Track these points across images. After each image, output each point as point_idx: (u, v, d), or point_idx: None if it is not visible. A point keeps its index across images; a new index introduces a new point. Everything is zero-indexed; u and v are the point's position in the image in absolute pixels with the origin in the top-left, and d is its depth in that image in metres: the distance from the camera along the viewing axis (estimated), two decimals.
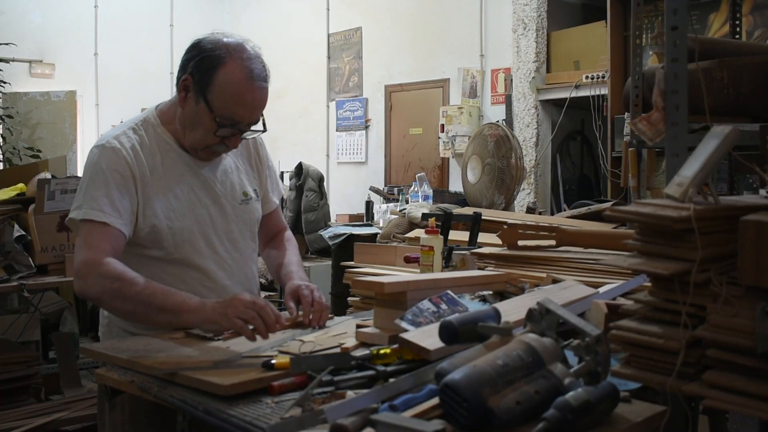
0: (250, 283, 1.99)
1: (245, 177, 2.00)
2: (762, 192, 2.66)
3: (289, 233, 2.17)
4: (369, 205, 6.12)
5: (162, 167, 1.83)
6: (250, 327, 1.57)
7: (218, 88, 1.74)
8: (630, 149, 2.68)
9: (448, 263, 2.30)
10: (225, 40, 1.78)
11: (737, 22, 3.22)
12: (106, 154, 1.78)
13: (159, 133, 1.86)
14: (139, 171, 1.79)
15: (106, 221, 1.71)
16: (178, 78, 1.82)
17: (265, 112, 1.86)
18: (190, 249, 1.84)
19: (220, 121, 1.76)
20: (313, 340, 1.60)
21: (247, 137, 1.88)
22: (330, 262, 5.36)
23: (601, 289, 1.70)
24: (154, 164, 1.82)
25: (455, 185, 6.36)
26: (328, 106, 8.07)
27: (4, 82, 6.82)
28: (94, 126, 8.49)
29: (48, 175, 3.54)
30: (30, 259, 3.27)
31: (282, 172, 6.22)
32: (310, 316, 1.74)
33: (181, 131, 1.84)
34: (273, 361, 1.36)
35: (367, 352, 1.37)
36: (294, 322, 1.74)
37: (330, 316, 1.81)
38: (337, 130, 7.99)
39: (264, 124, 1.86)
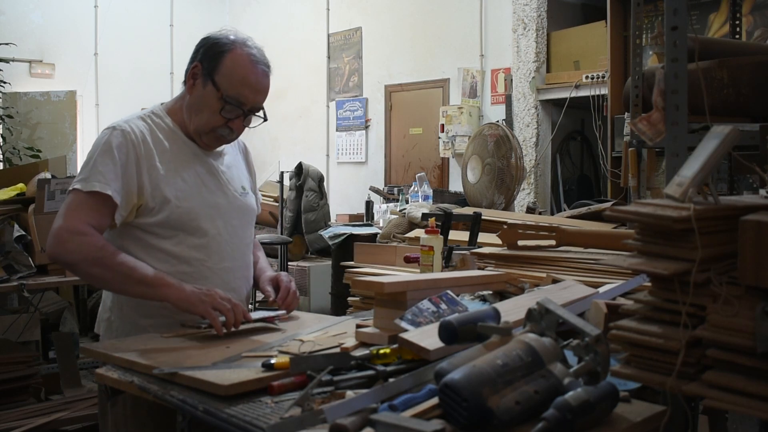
0: (248, 271, 2.05)
1: (241, 172, 2.10)
2: (762, 192, 2.66)
3: (257, 240, 2.26)
4: (369, 205, 6.12)
5: (170, 153, 1.91)
6: (222, 319, 1.69)
7: (225, 70, 1.87)
8: (630, 149, 2.68)
9: (448, 263, 2.30)
10: (231, 35, 1.93)
11: (737, 22, 3.21)
12: (116, 135, 1.86)
13: (167, 123, 1.95)
14: (146, 154, 1.86)
15: (110, 194, 1.78)
16: (187, 69, 1.93)
17: (265, 112, 1.97)
18: (196, 229, 1.90)
19: (227, 99, 1.87)
20: (313, 340, 1.60)
21: (250, 126, 1.97)
22: (330, 262, 5.36)
23: (601, 289, 1.70)
24: (162, 149, 1.90)
25: (455, 185, 6.36)
26: (328, 106, 8.07)
27: (4, 82, 6.82)
28: (94, 126, 8.48)
29: (48, 175, 3.54)
30: (30, 259, 3.27)
31: (282, 172, 6.22)
32: (286, 300, 1.93)
33: (187, 118, 1.94)
34: (273, 361, 1.36)
35: (366, 352, 1.37)
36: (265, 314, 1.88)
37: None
38: (337, 130, 7.99)
39: (265, 114, 1.98)
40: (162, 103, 2.02)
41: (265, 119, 1.99)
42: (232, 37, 1.92)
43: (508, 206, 5.00)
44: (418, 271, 2.22)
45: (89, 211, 1.78)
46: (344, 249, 4.83)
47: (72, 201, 1.80)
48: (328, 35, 8.06)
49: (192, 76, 1.92)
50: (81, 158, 8.05)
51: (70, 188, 1.83)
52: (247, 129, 1.98)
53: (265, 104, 1.96)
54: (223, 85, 1.87)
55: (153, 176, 1.85)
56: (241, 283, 2.00)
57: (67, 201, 1.81)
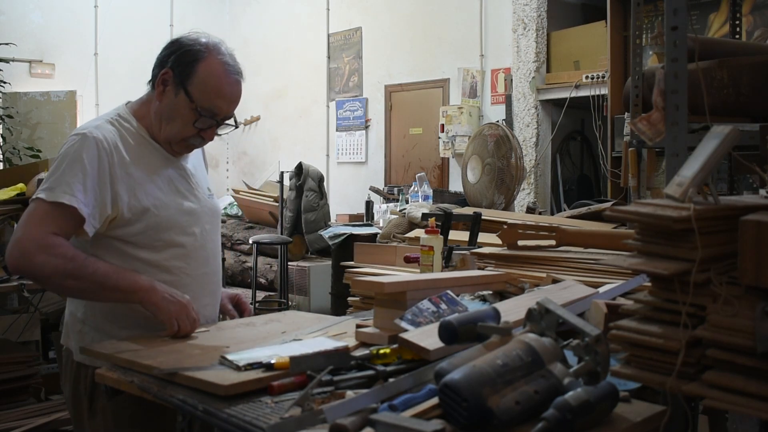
0: (220, 274, 2.04)
1: (204, 175, 2.08)
2: (762, 192, 2.66)
3: None
4: (369, 205, 6.12)
5: (142, 159, 1.85)
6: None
7: (199, 80, 1.81)
8: (630, 149, 2.68)
9: (448, 263, 2.30)
10: (203, 38, 1.87)
11: (737, 22, 3.21)
12: (88, 143, 1.76)
13: (135, 127, 1.88)
14: (119, 162, 1.79)
15: (75, 206, 1.70)
16: (155, 74, 1.86)
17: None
18: (173, 237, 1.85)
19: (201, 111, 1.82)
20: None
21: (220, 133, 1.94)
22: (330, 262, 5.36)
23: (601, 289, 1.70)
24: (134, 156, 1.83)
25: (455, 185, 6.36)
26: (328, 106, 8.07)
27: (4, 82, 6.81)
28: None
29: None
30: None
31: (282, 172, 6.22)
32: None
33: (156, 125, 1.87)
34: (273, 361, 1.36)
35: (366, 352, 1.37)
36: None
37: None
38: (337, 130, 7.99)
39: (236, 121, 1.94)
40: (127, 103, 1.96)
41: (236, 126, 1.95)
42: (204, 40, 1.85)
43: (508, 206, 5.00)
44: (418, 271, 2.22)
45: (54, 222, 1.69)
46: (344, 249, 4.84)
47: (35, 210, 1.70)
48: (328, 35, 8.06)
49: (162, 82, 1.84)
50: None
51: (34, 197, 1.73)
52: (243, 129, 1.96)
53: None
54: (197, 96, 1.81)
55: (129, 185, 1.79)
56: (216, 288, 1.98)
57: (29, 210, 1.71)
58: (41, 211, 1.70)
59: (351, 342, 1.57)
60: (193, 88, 1.81)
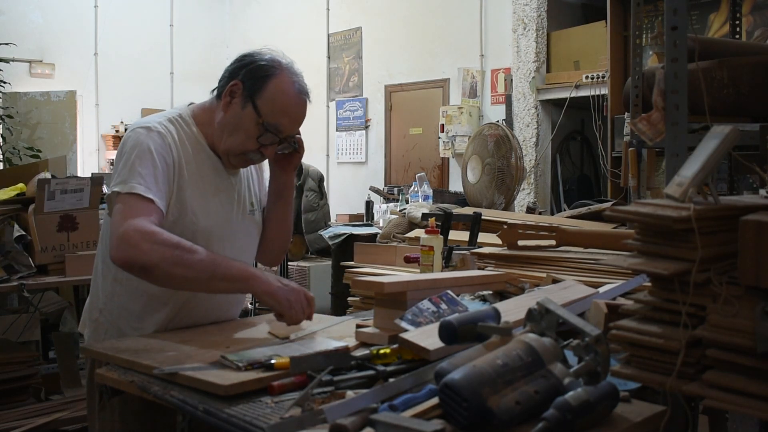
0: (239, 297, 2.00)
1: (252, 188, 2.02)
2: (762, 192, 2.66)
3: None
4: (369, 205, 6.12)
5: (194, 164, 1.84)
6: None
7: (269, 95, 1.80)
8: (630, 149, 2.68)
9: (448, 263, 2.30)
10: (278, 57, 1.87)
11: (737, 22, 3.21)
12: (153, 137, 1.77)
13: (194, 132, 1.86)
14: (177, 160, 1.80)
15: (153, 198, 1.70)
16: (223, 84, 1.84)
17: (296, 141, 1.91)
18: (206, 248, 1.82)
19: (267, 127, 1.80)
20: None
21: (280, 151, 1.91)
22: (330, 262, 5.36)
23: (601, 289, 1.70)
24: (188, 159, 1.83)
25: (455, 185, 6.36)
26: (328, 106, 8.07)
27: (4, 82, 6.82)
28: (94, 126, 8.49)
29: (48, 175, 3.54)
30: (30, 259, 3.27)
31: None
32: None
33: (218, 135, 1.85)
34: (273, 361, 1.36)
35: (367, 352, 1.37)
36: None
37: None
38: (337, 130, 7.99)
39: (297, 142, 1.92)
40: (190, 104, 1.94)
41: (295, 148, 1.92)
42: (278, 58, 1.85)
43: (508, 206, 5.00)
44: (418, 271, 2.22)
45: (144, 211, 1.68)
46: (344, 249, 4.84)
47: (124, 204, 1.68)
48: (328, 35, 8.06)
49: (230, 93, 1.82)
50: (81, 158, 8.07)
51: (111, 190, 1.73)
52: None
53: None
54: (264, 110, 1.79)
55: (179, 186, 1.78)
56: (234, 309, 1.96)
57: (117, 207, 1.69)
58: (129, 203, 1.68)
59: (351, 342, 1.57)
60: (261, 103, 1.80)
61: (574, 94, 5.63)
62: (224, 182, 1.89)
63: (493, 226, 3.07)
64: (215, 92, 1.88)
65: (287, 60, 1.88)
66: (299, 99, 1.84)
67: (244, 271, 1.70)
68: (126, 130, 1.97)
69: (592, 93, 5.42)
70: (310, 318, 1.71)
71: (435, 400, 1.07)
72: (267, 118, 1.80)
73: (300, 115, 1.86)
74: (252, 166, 2.01)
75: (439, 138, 6.56)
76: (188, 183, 1.81)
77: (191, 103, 1.94)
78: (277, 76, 1.82)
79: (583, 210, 3.75)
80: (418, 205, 4.67)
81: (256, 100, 1.80)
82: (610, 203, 3.83)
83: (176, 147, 1.80)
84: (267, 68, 1.82)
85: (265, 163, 2.06)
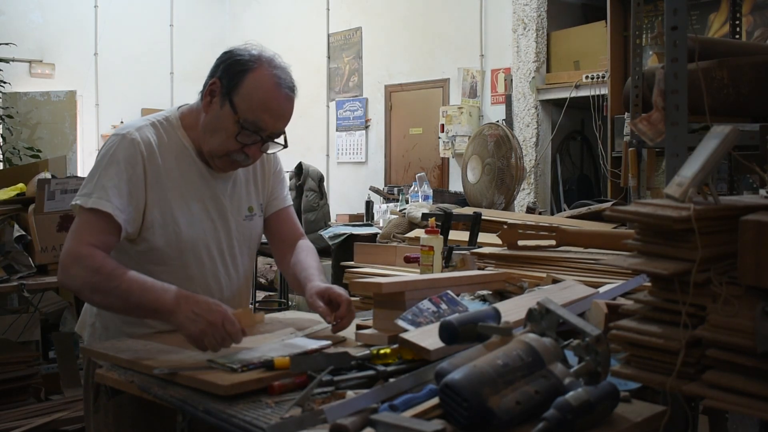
0: (240, 300, 1.93)
1: (253, 188, 1.94)
2: (762, 192, 2.66)
3: (306, 242, 2.03)
4: (369, 205, 6.11)
5: (177, 171, 1.77)
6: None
7: (245, 91, 1.71)
8: (630, 149, 2.68)
9: (448, 263, 2.30)
10: (256, 50, 1.76)
11: (737, 22, 3.21)
12: (125, 145, 1.71)
13: (179, 136, 1.80)
14: (152, 169, 1.73)
15: (111, 212, 1.65)
16: (206, 83, 1.77)
17: (286, 138, 1.83)
18: (192, 260, 1.79)
19: (244, 124, 1.71)
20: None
21: (267, 151, 1.83)
22: (330, 262, 5.35)
23: (601, 289, 1.70)
24: (169, 166, 1.76)
25: (455, 185, 6.36)
26: (328, 106, 8.07)
27: (4, 82, 6.82)
28: (94, 126, 8.49)
29: (48, 175, 3.54)
30: (30, 259, 3.27)
31: None
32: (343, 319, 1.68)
33: (202, 137, 1.78)
34: (273, 361, 1.36)
35: (367, 352, 1.37)
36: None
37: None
38: (337, 130, 7.99)
39: (285, 140, 1.82)
40: (180, 107, 1.86)
41: (285, 146, 1.83)
42: (256, 53, 1.74)
43: (508, 206, 5.00)
44: (418, 271, 2.22)
45: (92, 231, 1.64)
46: (344, 249, 4.83)
47: (77, 222, 1.67)
48: (328, 35, 8.06)
49: (209, 92, 1.74)
50: (81, 158, 8.06)
51: (73, 202, 1.70)
52: None
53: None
54: (242, 107, 1.70)
55: (157, 196, 1.72)
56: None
57: (73, 224, 1.67)
58: (81, 221, 1.66)
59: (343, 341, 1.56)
60: (238, 99, 1.70)
61: (574, 94, 5.63)
62: (212, 191, 1.82)
63: (493, 226, 3.07)
64: (200, 93, 1.80)
65: (269, 53, 1.76)
66: (279, 93, 1.73)
67: (154, 301, 1.56)
68: None
69: (592, 93, 5.42)
70: (236, 337, 1.50)
71: (435, 400, 1.07)
72: (244, 114, 1.70)
73: (282, 110, 1.75)
74: (257, 165, 1.92)
75: (439, 138, 6.56)
76: (170, 190, 1.74)
77: (182, 106, 1.88)
78: (254, 70, 1.71)
79: (583, 210, 3.75)
80: (418, 205, 4.67)
81: (234, 97, 1.70)
82: (610, 203, 3.83)
83: (155, 154, 1.73)
84: (243, 62, 1.72)
85: (278, 159, 1.99)
